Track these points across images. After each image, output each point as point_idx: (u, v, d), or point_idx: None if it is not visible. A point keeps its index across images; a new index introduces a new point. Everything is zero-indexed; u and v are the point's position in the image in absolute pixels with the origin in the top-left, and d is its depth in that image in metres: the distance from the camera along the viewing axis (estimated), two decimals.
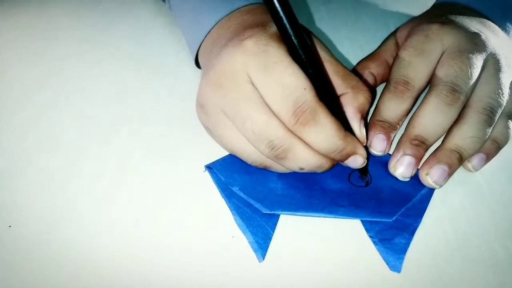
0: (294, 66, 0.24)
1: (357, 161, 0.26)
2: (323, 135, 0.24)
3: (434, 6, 0.38)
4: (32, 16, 0.46)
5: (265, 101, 0.24)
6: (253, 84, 0.25)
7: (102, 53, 0.40)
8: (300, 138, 0.25)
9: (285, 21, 0.23)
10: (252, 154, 0.27)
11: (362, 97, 0.26)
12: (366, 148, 0.28)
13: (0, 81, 0.37)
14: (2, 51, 0.41)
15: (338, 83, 0.27)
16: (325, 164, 0.26)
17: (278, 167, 0.27)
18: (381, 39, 0.36)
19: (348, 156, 0.26)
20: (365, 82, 0.33)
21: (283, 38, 0.25)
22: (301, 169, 0.26)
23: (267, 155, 0.26)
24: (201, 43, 0.32)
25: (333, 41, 0.41)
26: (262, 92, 0.24)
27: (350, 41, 0.41)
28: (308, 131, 0.24)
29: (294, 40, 0.24)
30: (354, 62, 0.36)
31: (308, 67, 0.24)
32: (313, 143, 0.25)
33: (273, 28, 0.26)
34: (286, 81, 0.24)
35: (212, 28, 0.31)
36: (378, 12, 0.46)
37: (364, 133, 0.27)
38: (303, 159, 0.25)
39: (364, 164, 0.27)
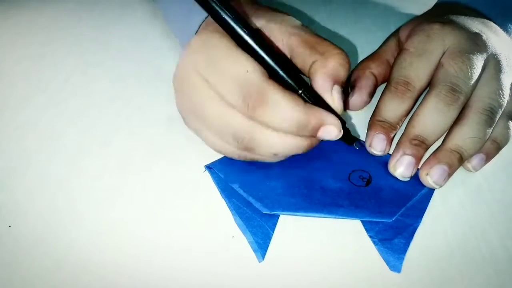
0: (234, 51, 0.23)
1: (329, 131, 0.24)
2: (279, 113, 0.23)
3: (435, 6, 0.38)
4: (32, 16, 0.46)
5: (219, 94, 0.24)
6: (206, 81, 0.24)
7: (102, 53, 0.40)
8: (260, 124, 0.24)
9: (212, 3, 0.23)
10: (225, 148, 0.26)
11: (332, 61, 0.25)
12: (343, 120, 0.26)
13: (0, 81, 0.37)
14: (2, 51, 0.41)
15: (307, 53, 0.25)
16: (299, 144, 0.25)
17: (257, 157, 0.26)
18: (382, 39, 0.36)
19: (316, 129, 0.24)
20: (365, 82, 0.33)
21: (219, 24, 0.24)
22: (276, 155, 0.25)
23: (238, 148, 0.25)
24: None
25: (333, 41, 0.41)
26: (213, 86, 0.24)
27: (350, 41, 0.41)
28: (262, 113, 0.23)
29: (225, 19, 0.23)
30: (355, 63, 0.36)
31: (250, 48, 0.24)
32: (272, 124, 0.23)
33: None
34: (228, 68, 0.23)
35: (199, 28, 0.31)
36: (378, 12, 0.46)
37: (338, 100, 0.25)
38: (272, 145, 0.24)
39: (341, 134, 0.25)
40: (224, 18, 0.23)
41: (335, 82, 0.25)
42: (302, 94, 0.24)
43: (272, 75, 0.24)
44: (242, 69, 0.23)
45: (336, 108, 0.25)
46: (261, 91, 0.23)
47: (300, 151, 0.25)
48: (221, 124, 0.24)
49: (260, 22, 0.27)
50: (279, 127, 0.24)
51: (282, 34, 0.26)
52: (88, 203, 0.27)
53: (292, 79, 0.24)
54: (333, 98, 0.25)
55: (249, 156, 0.26)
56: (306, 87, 0.25)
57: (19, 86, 0.36)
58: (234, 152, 0.26)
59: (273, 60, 0.24)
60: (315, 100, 0.25)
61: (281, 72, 0.24)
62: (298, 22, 0.27)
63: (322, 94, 0.25)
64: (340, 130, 0.25)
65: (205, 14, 0.31)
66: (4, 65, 0.39)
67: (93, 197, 0.27)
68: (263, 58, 0.24)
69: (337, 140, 0.25)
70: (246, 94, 0.23)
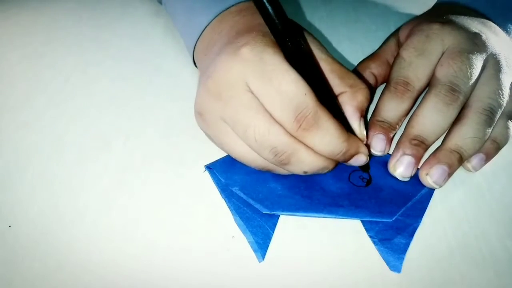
0: (291, 71, 0.24)
1: (360, 160, 0.26)
2: (327, 138, 0.24)
3: (435, 6, 0.38)
4: (32, 16, 0.46)
5: (266, 109, 0.24)
6: (252, 92, 0.24)
7: (102, 52, 0.40)
8: (303, 143, 0.25)
9: (276, 22, 0.23)
10: (255, 160, 0.26)
11: (360, 96, 0.26)
12: (367, 146, 0.28)
13: (0, 81, 0.37)
14: (2, 51, 0.41)
15: (336, 83, 0.26)
16: (329, 165, 0.26)
17: (282, 170, 0.27)
18: (382, 39, 0.36)
19: (351, 156, 0.26)
20: (364, 81, 0.33)
21: (277, 42, 0.24)
22: (305, 172, 0.26)
23: (271, 161, 0.26)
24: (196, 43, 0.33)
25: (333, 41, 0.41)
26: (262, 100, 0.24)
27: (350, 41, 0.41)
28: (311, 136, 0.24)
29: (288, 44, 0.24)
30: (355, 62, 0.36)
31: (305, 71, 0.24)
32: (317, 147, 0.25)
33: (267, 33, 0.25)
34: (285, 88, 0.24)
35: (205, 29, 0.32)
36: (378, 12, 0.46)
37: (364, 132, 0.27)
38: (308, 163, 0.25)
39: (367, 162, 0.27)
40: (283, 39, 0.24)
41: (361, 114, 0.27)
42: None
43: (320, 99, 0.25)
44: (299, 91, 0.24)
45: (362, 137, 0.27)
46: (316, 115, 0.24)
47: (324, 172, 0.27)
48: (263, 137, 0.24)
49: None
50: (322, 150, 0.25)
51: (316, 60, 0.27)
52: (88, 203, 0.27)
53: (336, 105, 0.26)
54: (361, 129, 0.27)
55: (276, 169, 0.27)
56: (343, 116, 0.26)
57: (19, 86, 0.36)
58: (263, 163, 0.27)
59: (324, 85, 0.26)
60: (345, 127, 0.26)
61: (330, 98, 0.26)
62: (324, 48, 0.27)
63: (351, 122, 0.27)
64: (367, 159, 0.27)
65: (209, 15, 0.31)
66: (4, 65, 0.39)
67: (93, 197, 0.27)
68: (320, 81, 0.25)
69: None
70: (300, 115, 0.24)
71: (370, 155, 0.28)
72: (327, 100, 0.25)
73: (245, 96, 0.25)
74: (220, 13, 0.31)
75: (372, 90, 0.33)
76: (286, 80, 0.24)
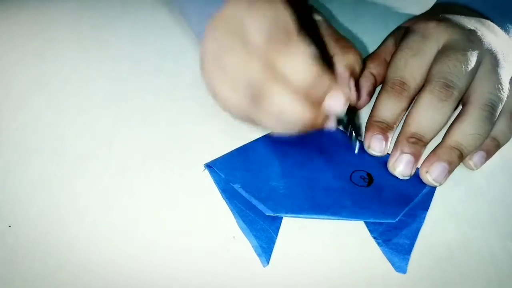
0: (276, 1, 0.24)
1: (337, 101, 0.25)
2: (298, 62, 0.23)
3: (434, 6, 0.38)
4: (32, 16, 0.46)
5: (247, 36, 0.24)
6: (242, 25, 0.24)
7: (102, 53, 0.40)
8: (276, 77, 0.24)
9: None
10: (235, 101, 0.26)
11: (351, 57, 0.27)
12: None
13: (0, 81, 0.37)
14: (2, 51, 0.41)
15: (331, 45, 0.28)
16: (305, 114, 0.25)
17: (262, 119, 0.26)
18: (381, 39, 0.36)
19: (325, 93, 0.24)
20: (364, 82, 0.33)
21: None
22: (279, 118, 0.25)
23: (248, 98, 0.25)
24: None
25: None
26: (245, 27, 0.24)
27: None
28: (282, 58, 0.23)
29: None
30: None
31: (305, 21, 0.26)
32: (288, 72, 0.23)
33: None
34: (266, 10, 0.24)
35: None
36: (378, 12, 0.46)
37: (354, 91, 0.27)
38: (280, 102, 0.24)
39: (346, 106, 0.25)
40: None
41: (351, 73, 0.27)
42: None
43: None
44: (279, 13, 0.24)
45: (351, 96, 0.27)
46: (290, 36, 0.23)
47: (301, 126, 0.25)
48: (238, 69, 0.24)
49: None
50: (293, 77, 0.24)
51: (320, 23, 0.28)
52: (88, 203, 0.27)
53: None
54: (349, 87, 0.27)
55: (256, 116, 0.26)
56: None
57: (19, 86, 0.36)
58: (242, 106, 0.26)
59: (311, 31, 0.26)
60: None
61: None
62: (322, 14, 0.30)
63: (340, 81, 0.26)
64: (347, 102, 0.25)
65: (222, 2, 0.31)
66: (4, 65, 0.39)
67: (93, 197, 0.27)
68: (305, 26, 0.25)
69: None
70: (275, 34, 0.23)
71: (354, 109, 0.28)
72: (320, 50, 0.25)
73: (233, 29, 0.25)
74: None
75: (369, 80, 0.34)
76: (266, 7, 0.24)
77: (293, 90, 0.24)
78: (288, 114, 0.24)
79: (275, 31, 0.24)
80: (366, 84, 0.33)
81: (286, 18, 0.24)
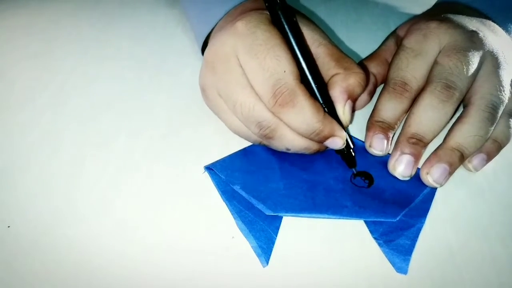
0: (278, 48, 0.25)
1: (335, 142, 0.26)
2: (301, 117, 0.25)
3: (435, 5, 0.38)
4: (32, 16, 0.46)
5: (251, 84, 0.25)
6: (241, 67, 0.26)
7: (102, 53, 0.40)
8: (283, 125, 0.26)
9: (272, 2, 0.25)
10: (248, 134, 0.28)
11: (352, 79, 0.26)
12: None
13: (0, 81, 0.37)
14: (2, 51, 0.41)
15: (332, 65, 0.27)
16: (311, 146, 0.27)
17: (272, 145, 0.28)
18: (382, 39, 0.36)
19: (326, 138, 0.26)
20: (366, 72, 0.33)
21: (272, 18, 0.26)
22: (288, 149, 0.27)
23: (258, 135, 0.27)
24: (210, 33, 0.34)
25: (333, 41, 0.40)
26: (248, 74, 0.25)
27: (350, 41, 0.41)
28: (286, 112, 0.25)
29: (282, 20, 0.25)
30: None
31: (294, 49, 0.25)
32: (292, 124, 0.25)
33: (266, 12, 0.26)
34: (267, 63, 0.25)
35: (222, 17, 0.33)
36: (379, 12, 0.46)
37: (348, 115, 0.27)
38: (289, 140, 0.27)
39: (343, 146, 0.27)
40: (277, 13, 0.25)
41: (349, 97, 0.27)
42: (322, 104, 0.26)
43: (303, 78, 0.26)
44: (280, 67, 0.25)
45: (344, 121, 0.27)
46: (292, 93, 0.25)
47: (308, 152, 0.28)
48: (248, 112, 0.26)
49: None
50: (297, 129, 0.26)
51: (312, 42, 0.27)
52: (88, 203, 0.27)
53: (318, 86, 0.26)
54: (344, 111, 0.27)
55: (266, 143, 0.28)
56: (327, 97, 0.27)
57: (19, 86, 0.36)
58: (254, 137, 0.28)
59: (307, 65, 0.26)
60: (328, 109, 0.27)
61: (310, 79, 0.26)
62: (325, 34, 0.28)
63: (335, 104, 0.27)
64: (344, 143, 0.27)
65: (228, 4, 0.32)
66: (4, 65, 0.39)
67: (93, 197, 0.27)
68: (306, 61, 0.26)
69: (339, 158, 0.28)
70: (277, 92, 0.25)
71: (349, 151, 0.28)
72: (315, 80, 0.26)
73: (235, 70, 0.26)
74: (238, 4, 0.32)
75: (368, 75, 0.34)
76: (270, 55, 0.25)
77: (300, 134, 0.26)
78: (294, 148, 0.27)
79: (279, 85, 0.25)
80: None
81: (288, 66, 0.25)
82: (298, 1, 0.47)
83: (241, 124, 0.28)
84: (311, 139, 0.26)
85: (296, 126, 0.25)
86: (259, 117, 0.26)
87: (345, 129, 0.27)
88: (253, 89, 0.26)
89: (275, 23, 0.26)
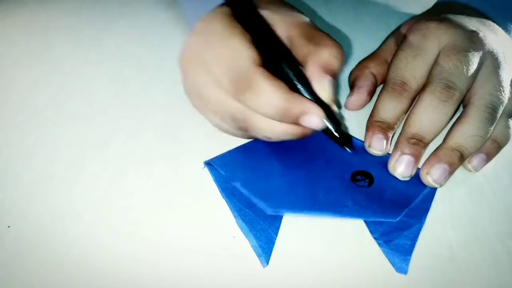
0: (232, 37, 0.25)
1: (311, 120, 0.24)
2: (263, 98, 0.24)
3: (435, 5, 0.38)
4: (32, 16, 0.46)
5: (214, 79, 0.25)
6: (204, 64, 0.26)
7: (102, 53, 0.40)
8: (254, 114, 0.25)
9: None
10: (229, 129, 0.28)
11: (325, 52, 0.25)
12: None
13: (0, 81, 0.37)
14: (2, 50, 0.41)
15: (304, 44, 0.26)
16: (290, 130, 0.26)
17: (255, 137, 0.28)
18: (382, 38, 0.36)
19: (297, 116, 0.24)
20: (365, 82, 0.33)
21: (232, 10, 0.26)
22: (268, 138, 0.26)
23: (235, 128, 0.27)
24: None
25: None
26: (209, 70, 0.25)
27: (350, 41, 0.41)
28: (249, 98, 0.24)
29: (236, 8, 0.25)
30: (355, 62, 0.36)
31: (253, 34, 0.25)
32: (258, 109, 0.24)
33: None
34: (222, 53, 0.25)
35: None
36: (379, 11, 0.46)
37: (327, 90, 0.25)
38: (264, 128, 0.26)
39: (322, 123, 0.25)
40: (231, 1, 0.25)
41: (326, 71, 0.25)
42: (296, 83, 0.25)
43: (269, 63, 0.25)
44: (234, 55, 0.24)
45: (324, 97, 0.25)
46: (248, 76, 0.24)
47: (293, 138, 0.26)
48: (219, 106, 0.26)
49: (265, 12, 0.27)
50: (264, 113, 0.25)
51: (284, 25, 0.27)
52: (87, 203, 0.27)
53: (287, 66, 0.25)
54: (322, 87, 0.25)
55: (247, 135, 0.28)
56: (302, 78, 0.25)
57: (19, 86, 0.36)
58: (234, 131, 0.28)
59: (269, 48, 0.25)
60: (308, 90, 0.25)
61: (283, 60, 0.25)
62: (305, 18, 0.28)
63: (311, 81, 0.25)
64: (322, 120, 0.25)
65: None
66: (4, 65, 0.39)
67: (92, 197, 0.27)
68: (267, 43, 0.25)
69: (329, 139, 0.26)
70: (234, 79, 0.24)
71: (340, 129, 0.26)
72: (286, 63, 0.25)
73: (200, 69, 0.26)
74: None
75: (370, 80, 0.34)
76: (222, 45, 0.25)
77: (271, 118, 0.25)
78: (274, 134, 0.26)
79: (236, 73, 0.24)
80: (366, 83, 0.33)
81: (243, 52, 0.24)
82: (298, 1, 0.47)
83: (219, 120, 0.27)
84: (284, 121, 0.25)
85: (262, 110, 0.24)
86: (230, 110, 0.26)
87: (331, 107, 0.25)
88: (217, 83, 0.25)
89: (235, 14, 0.26)
